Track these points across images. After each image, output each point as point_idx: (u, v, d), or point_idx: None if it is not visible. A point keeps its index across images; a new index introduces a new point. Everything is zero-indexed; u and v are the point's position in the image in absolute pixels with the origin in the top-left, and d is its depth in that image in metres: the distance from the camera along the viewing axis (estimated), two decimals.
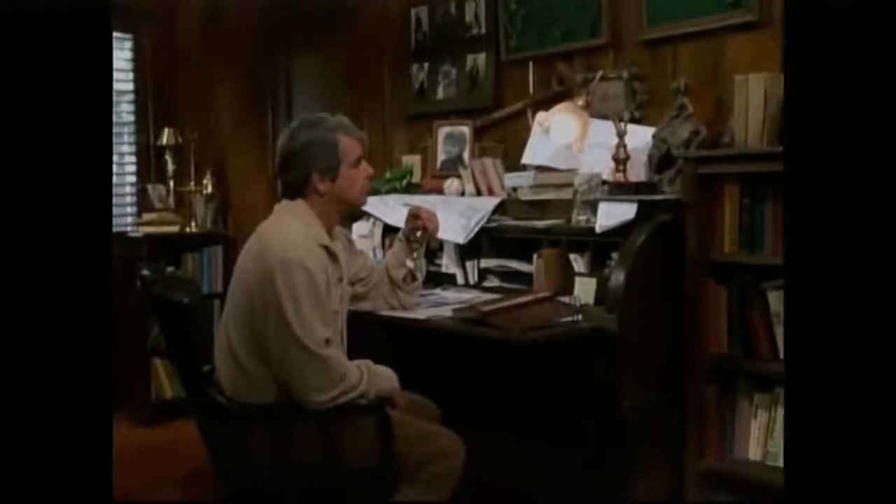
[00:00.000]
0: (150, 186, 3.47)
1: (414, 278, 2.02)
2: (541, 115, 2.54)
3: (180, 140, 3.49)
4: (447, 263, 2.49)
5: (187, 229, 3.50)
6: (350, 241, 1.94)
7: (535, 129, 2.54)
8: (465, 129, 2.86)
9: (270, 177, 3.50)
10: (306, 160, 1.72)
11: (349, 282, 1.84)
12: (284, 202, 1.76)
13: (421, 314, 2.01)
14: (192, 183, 3.56)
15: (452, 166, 2.79)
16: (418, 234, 2.01)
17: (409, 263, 1.99)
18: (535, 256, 2.23)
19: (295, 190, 1.75)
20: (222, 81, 3.62)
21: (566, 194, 2.27)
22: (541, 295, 2.02)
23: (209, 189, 3.54)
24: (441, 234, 2.28)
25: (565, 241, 2.20)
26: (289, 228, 1.68)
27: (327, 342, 1.61)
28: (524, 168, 2.49)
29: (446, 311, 2.00)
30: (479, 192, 2.60)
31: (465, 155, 2.82)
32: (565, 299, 2.04)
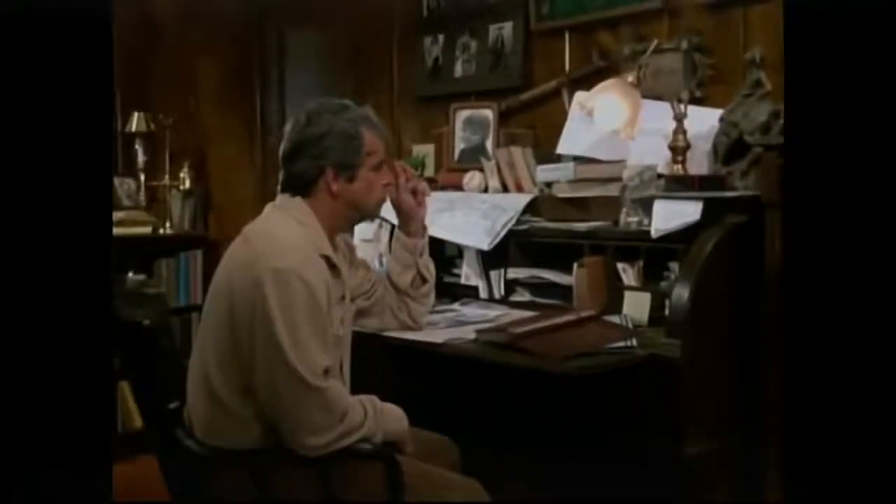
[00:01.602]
0: (116, 180, 3.46)
1: (424, 280, 1.98)
2: (581, 96, 2.47)
3: (152, 126, 3.47)
4: (468, 274, 2.44)
5: (161, 231, 3.48)
6: (351, 249, 1.91)
7: (574, 113, 2.48)
8: (489, 113, 2.81)
9: (259, 170, 3.54)
10: (323, 151, 1.69)
11: (350, 297, 1.80)
12: (282, 199, 1.73)
13: (437, 336, 1.98)
14: (167, 177, 3.53)
15: (473, 157, 2.76)
16: (409, 197, 1.93)
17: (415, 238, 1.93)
18: (574, 266, 2.16)
19: (301, 185, 1.71)
20: (203, 58, 3.61)
21: (612, 191, 2.21)
22: (583, 314, 1.98)
23: (186, 184, 3.51)
24: (461, 239, 2.32)
25: (612, 248, 2.14)
26: (285, 231, 1.65)
27: (326, 372, 1.56)
28: (560, 159, 2.44)
29: (467, 333, 1.95)
30: (505, 189, 2.57)
31: (489, 143, 2.78)
32: (613, 319, 2.01)
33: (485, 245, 2.32)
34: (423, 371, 2.07)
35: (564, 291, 2.22)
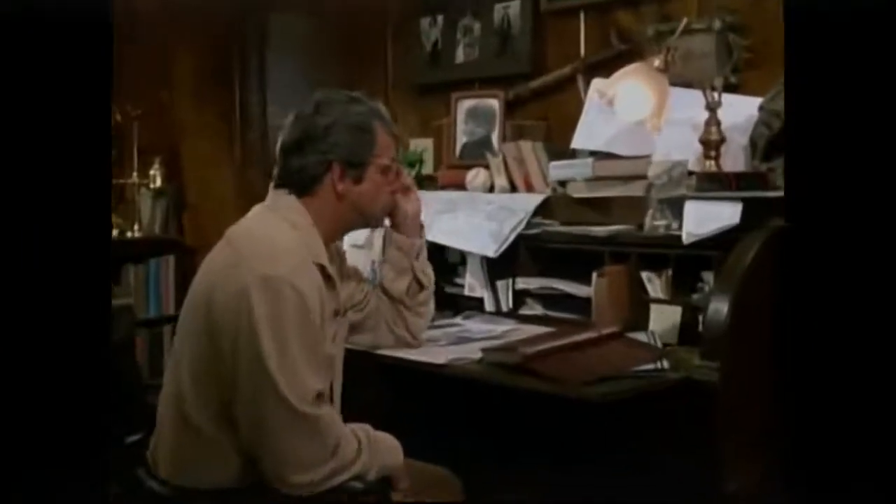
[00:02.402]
0: None
1: (421, 287, 1.96)
2: (599, 83, 2.42)
3: (118, 118, 3.42)
4: (472, 284, 2.41)
5: (129, 234, 3.47)
6: (342, 256, 1.89)
7: (592, 102, 2.45)
8: (494, 103, 2.79)
9: (238, 166, 3.52)
10: (331, 146, 1.69)
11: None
12: (273, 198, 1.71)
13: (437, 355, 1.93)
14: (135, 174, 3.51)
15: (477, 152, 2.75)
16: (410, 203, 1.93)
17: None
18: (593, 275, 2.13)
19: (301, 183, 1.70)
20: (178, 46, 3.59)
21: (637, 190, 2.18)
22: (605, 331, 1.93)
23: (157, 182, 3.50)
24: (463, 245, 2.31)
25: (636, 255, 2.12)
26: (275, 233, 1.63)
27: (319, 397, 1.53)
28: (575, 154, 2.42)
29: (472, 352, 1.91)
30: (513, 188, 2.56)
31: (495, 137, 2.77)
32: (638, 336, 1.97)
33: (491, 251, 2.30)
34: (421, 393, 2.05)
35: (581, 305, 2.20)
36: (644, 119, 2.25)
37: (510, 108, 2.81)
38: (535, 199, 2.39)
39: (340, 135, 1.69)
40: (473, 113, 2.82)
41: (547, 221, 2.35)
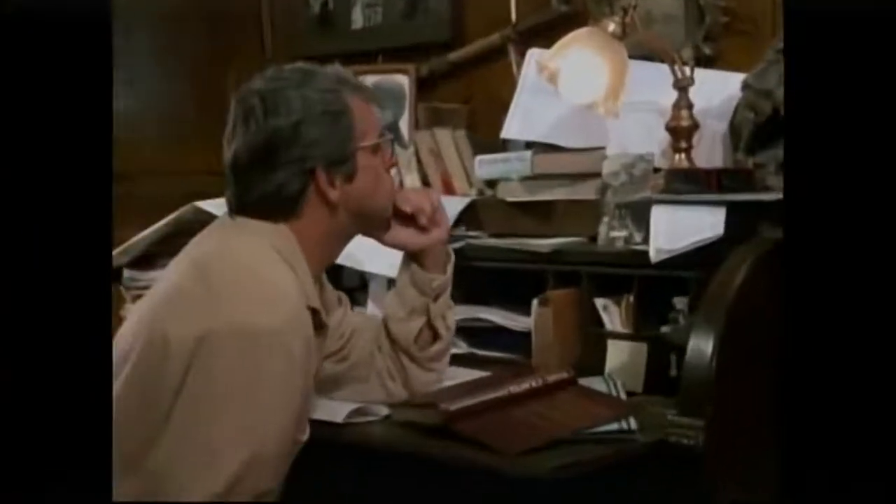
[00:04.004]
0: None
1: (436, 336, 1.93)
2: (537, 55, 2.37)
3: None
4: (375, 314, 2.31)
5: None
6: (322, 283, 1.85)
7: (527, 79, 2.42)
8: (403, 81, 2.80)
9: None
10: (306, 149, 1.65)
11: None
12: (245, 222, 1.68)
13: (331, 410, 1.85)
14: None
15: None
16: (427, 236, 1.91)
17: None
18: (533, 303, 2.10)
19: (276, 207, 1.67)
20: None
21: (588, 192, 2.17)
22: (552, 377, 1.88)
23: None
24: (363, 263, 2.26)
25: (588, 277, 2.08)
26: (268, 270, 1.61)
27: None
28: (507, 146, 2.40)
29: (376, 406, 1.88)
30: (427, 187, 2.51)
31: (403, 124, 2.76)
32: (593, 383, 1.92)
33: (395, 271, 2.17)
34: (307, 462, 1.85)
35: (518, 341, 2.16)
36: (596, 101, 2.21)
37: (423, 86, 2.81)
38: (456, 204, 2.33)
39: (313, 131, 1.65)
40: (377, 93, 2.58)
41: (472, 233, 2.32)
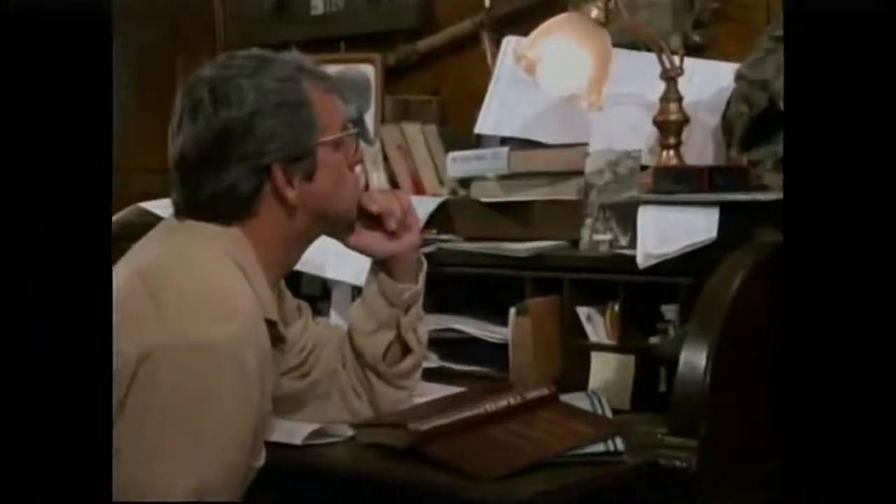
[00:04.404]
0: None
1: (406, 351, 1.92)
2: (514, 44, 2.36)
3: None
4: (338, 324, 2.31)
5: None
6: (281, 292, 1.85)
7: (503, 70, 2.42)
8: (368, 71, 2.78)
9: None
10: (261, 144, 1.63)
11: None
12: (194, 225, 1.67)
13: (290, 431, 1.83)
14: None
15: None
16: (397, 241, 1.90)
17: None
18: (511, 312, 2.10)
19: (228, 209, 1.65)
20: None
21: (569, 192, 2.17)
22: (531, 393, 1.86)
23: None
24: (325, 270, 2.24)
25: (570, 284, 2.08)
26: (221, 279, 1.59)
27: None
28: (481, 142, 2.39)
29: (339, 426, 1.86)
30: (395, 188, 2.53)
31: (369, 118, 2.73)
32: (576, 399, 1.91)
33: (363, 280, 2.14)
34: (269, 490, 1.85)
35: (494, 353, 2.16)
36: (578, 93, 2.21)
37: (390, 77, 2.79)
38: (426, 205, 2.32)
39: (269, 123, 1.63)
40: (339, 84, 2.60)
41: (444, 236, 2.31)
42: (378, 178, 2.52)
